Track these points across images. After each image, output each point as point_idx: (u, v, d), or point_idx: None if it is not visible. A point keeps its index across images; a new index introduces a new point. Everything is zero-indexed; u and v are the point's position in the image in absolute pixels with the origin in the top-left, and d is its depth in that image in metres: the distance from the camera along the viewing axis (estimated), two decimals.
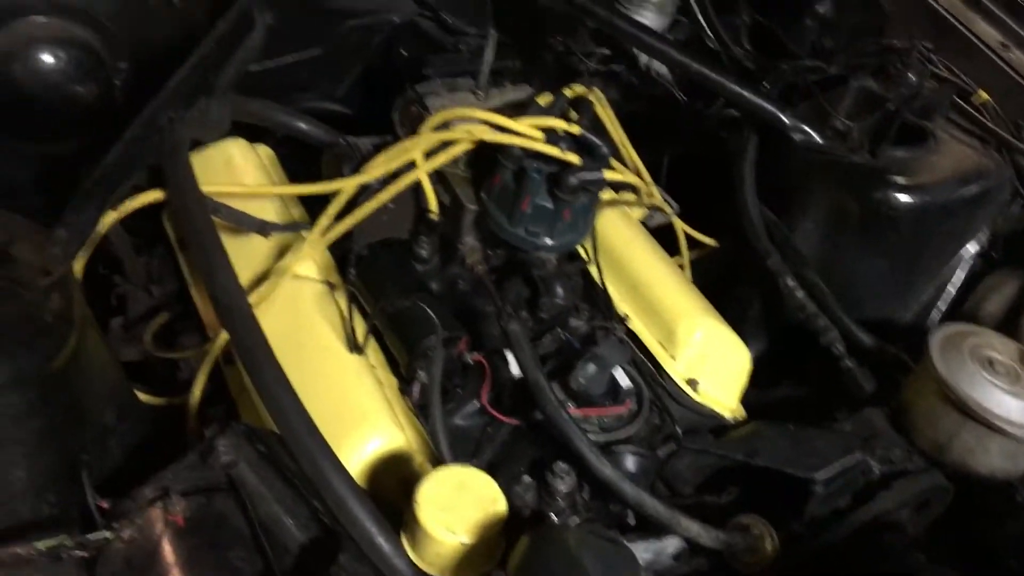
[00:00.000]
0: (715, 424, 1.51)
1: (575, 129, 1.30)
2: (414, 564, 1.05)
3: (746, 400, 1.64)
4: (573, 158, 1.27)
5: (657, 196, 1.66)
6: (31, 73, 1.50)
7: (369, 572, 1.05)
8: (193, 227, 1.24)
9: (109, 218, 1.30)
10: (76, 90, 1.55)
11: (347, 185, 1.32)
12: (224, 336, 1.32)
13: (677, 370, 1.48)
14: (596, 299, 1.51)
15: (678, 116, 2.04)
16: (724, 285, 1.85)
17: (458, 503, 1.05)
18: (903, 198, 1.60)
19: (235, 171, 1.53)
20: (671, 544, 1.32)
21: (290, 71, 1.78)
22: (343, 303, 1.37)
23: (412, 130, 1.37)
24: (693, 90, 1.99)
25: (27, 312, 1.06)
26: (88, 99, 1.57)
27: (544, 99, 1.33)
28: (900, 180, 1.60)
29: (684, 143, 2.07)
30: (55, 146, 1.65)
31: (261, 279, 1.39)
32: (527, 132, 1.28)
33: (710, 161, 1.94)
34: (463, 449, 1.30)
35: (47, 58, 1.51)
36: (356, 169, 1.35)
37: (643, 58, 1.96)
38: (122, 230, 1.51)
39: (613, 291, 1.53)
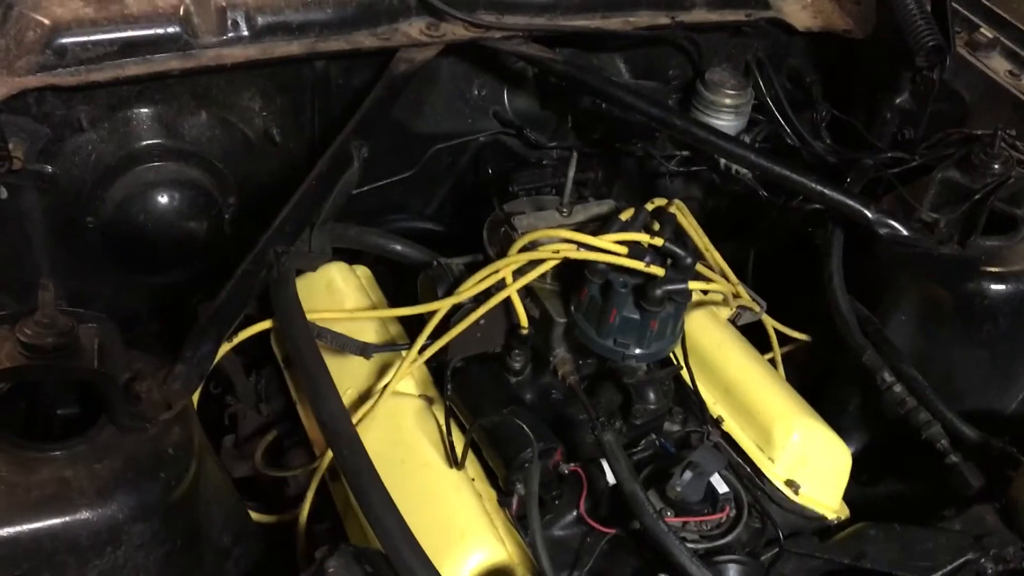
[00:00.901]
0: (819, 526, 1.50)
1: (658, 241, 1.34)
2: None
3: (848, 497, 1.61)
4: (657, 270, 1.30)
5: (744, 295, 1.67)
6: (149, 213, 1.62)
7: None
8: (299, 353, 1.31)
9: (223, 348, 1.38)
10: (190, 226, 1.66)
11: (442, 306, 1.38)
12: (330, 454, 1.38)
13: (776, 472, 1.47)
14: (690, 402, 1.53)
15: (761, 212, 2.07)
16: (820, 382, 1.84)
17: None
18: (997, 287, 1.58)
19: (336, 294, 1.61)
20: None
21: (384, 192, 1.88)
22: (441, 418, 1.42)
23: (501, 249, 1.43)
24: (775, 185, 2.01)
25: (151, 446, 1.13)
26: (200, 234, 1.68)
27: (627, 214, 1.38)
28: (992, 269, 1.59)
29: (769, 238, 2.08)
30: (170, 277, 1.77)
31: (364, 397, 1.46)
32: (611, 247, 1.32)
33: (796, 256, 1.95)
34: (563, 560, 1.31)
35: (163, 199, 1.62)
36: (450, 290, 1.41)
37: (724, 160, 1.99)
38: (233, 354, 1.60)
39: (706, 394, 1.54)
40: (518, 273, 1.38)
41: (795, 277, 1.89)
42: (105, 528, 1.07)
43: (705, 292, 1.66)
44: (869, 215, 1.65)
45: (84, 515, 1.06)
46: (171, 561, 1.15)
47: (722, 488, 1.34)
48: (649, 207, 1.41)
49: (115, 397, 1.12)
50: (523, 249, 1.37)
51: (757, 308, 1.71)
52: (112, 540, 1.08)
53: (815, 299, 1.77)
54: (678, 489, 1.30)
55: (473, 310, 1.38)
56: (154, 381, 1.18)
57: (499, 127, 1.91)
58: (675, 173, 2.07)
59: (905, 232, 1.64)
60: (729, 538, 1.31)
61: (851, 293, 1.72)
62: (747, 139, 1.95)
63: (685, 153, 2.05)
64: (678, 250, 1.34)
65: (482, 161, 1.89)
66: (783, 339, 1.86)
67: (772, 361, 1.79)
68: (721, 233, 2.04)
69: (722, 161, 1.99)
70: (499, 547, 1.28)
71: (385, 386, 1.42)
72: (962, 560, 1.36)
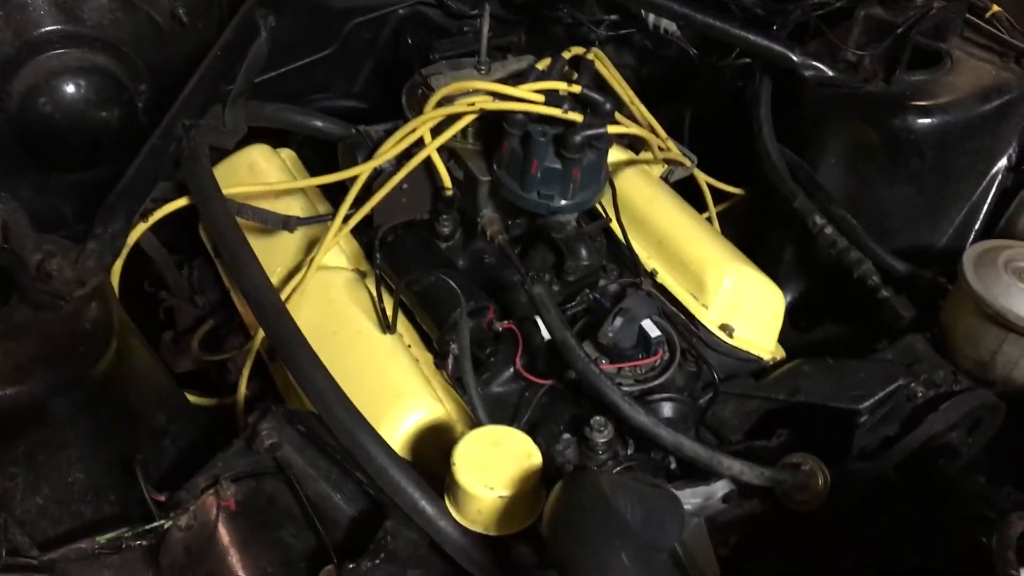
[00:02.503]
0: (756, 368, 1.52)
1: (576, 89, 1.31)
2: (458, 523, 1.07)
3: (790, 343, 1.64)
4: (576, 117, 1.28)
5: (674, 150, 1.66)
6: (56, 104, 1.56)
7: (415, 535, 1.08)
8: (217, 227, 1.28)
9: (140, 228, 1.35)
10: (101, 116, 1.60)
11: (361, 171, 1.35)
12: (263, 332, 1.37)
13: (710, 318, 1.48)
14: (623, 258, 1.53)
15: (695, 74, 2.05)
16: (755, 233, 1.85)
17: (494, 460, 1.07)
18: (923, 121, 1.58)
19: (259, 174, 1.58)
20: (720, 488, 1.33)
21: (306, 73, 1.83)
22: (373, 288, 1.41)
23: (419, 111, 1.40)
24: (707, 45, 1.98)
25: (67, 322, 1.11)
26: (114, 123, 1.62)
27: (543, 63, 1.35)
28: (918, 103, 1.59)
29: (703, 98, 2.07)
30: (91, 173, 1.71)
31: (294, 274, 1.44)
32: (528, 97, 1.29)
33: (730, 113, 1.94)
34: (503, 415, 1.32)
35: (70, 88, 1.56)
36: (369, 155, 1.38)
37: (652, 18, 1.96)
38: (160, 245, 1.57)
39: (639, 248, 1.54)
40: (436, 132, 1.35)
41: (729, 134, 1.88)
42: (26, 404, 1.06)
43: (632, 146, 1.64)
44: (794, 58, 1.63)
45: (4, 392, 1.05)
46: (100, 437, 1.14)
47: (654, 333, 1.35)
48: (566, 55, 1.38)
49: (24, 276, 1.10)
50: (439, 105, 1.34)
51: (688, 163, 1.70)
52: (35, 416, 1.07)
53: (748, 152, 1.76)
54: (610, 335, 1.31)
55: (394, 174, 1.36)
56: (66, 260, 1.15)
57: None
58: (605, 39, 2.03)
59: (830, 72, 1.63)
60: (663, 379, 1.33)
61: (783, 143, 1.72)
62: None
63: (614, 17, 2.02)
64: (596, 96, 1.31)
65: (402, 34, 1.84)
66: (720, 196, 1.87)
67: (708, 217, 1.80)
68: (657, 99, 2.03)
69: (650, 21, 1.96)
70: (437, 405, 1.28)
71: (312, 258, 1.40)
72: (894, 386, 1.38)
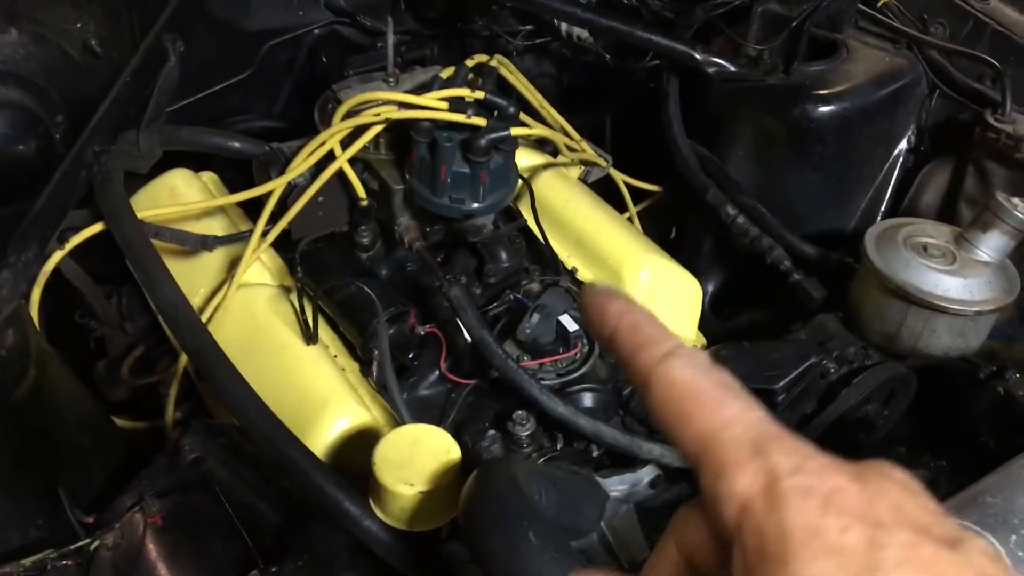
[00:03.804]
0: None
1: (479, 94, 1.35)
2: (383, 522, 1.10)
3: (713, 332, 1.69)
4: (480, 121, 1.32)
5: (588, 150, 1.70)
6: None
7: (340, 536, 1.10)
8: (130, 248, 1.30)
9: (57, 255, 1.36)
10: (19, 149, 1.60)
11: (274, 186, 1.37)
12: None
13: None
14: (544, 259, 1.56)
15: (612, 77, 2.10)
16: (676, 228, 1.90)
17: (413, 457, 1.10)
18: (822, 109, 1.64)
19: (180, 198, 1.58)
20: (646, 474, 1.36)
21: (226, 96, 1.84)
22: (296, 302, 1.42)
23: (330, 125, 1.42)
24: (622, 50, 2.04)
25: None
26: (31, 156, 1.61)
27: (447, 72, 1.38)
28: (817, 92, 1.65)
29: (620, 102, 2.12)
30: (11, 208, 1.71)
31: (217, 293, 1.46)
32: (432, 104, 1.33)
33: (645, 115, 1.99)
34: (430, 416, 1.34)
35: None
36: (283, 171, 1.40)
37: (564, 26, 2.00)
38: (84, 274, 1.58)
39: (559, 248, 1.57)
40: (347, 144, 1.38)
41: (647, 134, 1.93)
42: None
43: (546, 148, 1.69)
44: (696, 56, 1.69)
45: None
46: (21, 463, 1.14)
47: (572, 327, 1.38)
48: (469, 63, 1.42)
49: None
50: (346, 117, 1.37)
51: (603, 163, 1.75)
52: None
53: (661, 150, 1.81)
54: (527, 331, 1.34)
55: (308, 187, 1.38)
56: None
57: (332, 17, 1.88)
58: (523, 49, 2.08)
59: (732, 68, 1.68)
60: (583, 370, 1.36)
61: (693, 138, 1.77)
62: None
63: (529, 27, 2.06)
64: (500, 100, 1.35)
65: (318, 53, 1.87)
66: (641, 195, 1.92)
67: (629, 217, 1.84)
68: (580, 105, 2.08)
69: (563, 29, 2.01)
70: (362, 411, 1.30)
71: (232, 276, 1.42)
72: (807, 364, 1.43)
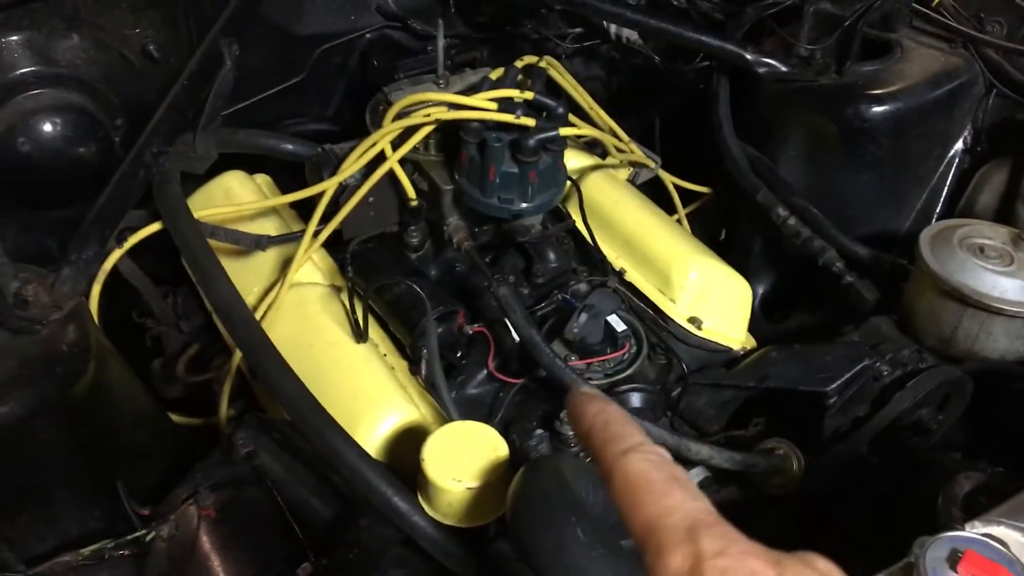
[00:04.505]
0: (727, 358, 1.55)
1: (528, 95, 1.35)
2: (431, 517, 1.11)
3: (763, 335, 1.67)
4: (529, 121, 1.32)
5: (637, 152, 1.70)
6: (35, 143, 1.61)
7: (389, 531, 1.11)
8: (187, 246, 1.33)
9: (116, 254, 1.39)
10: (79, 152, 1.65)
11: (326, 186, 1.39)
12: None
13: (678, 312, 1.52)
14: (592, 260, 1.56)
15: (661, 79, 2.09)
16: (725, 230, 1.89)
17: (461, 454, 1.10)
18: (875, 109, 1.62)
19: (234, 199, 1.62)
20: (695, 476, 1.36)
21: (280, 100, 1.88)
22: (347, 301, 1.44)
23: (381, 126, 1.44)
24: (671, 52, 2.03)
25: (44, 345, 1.16)
26: (92, 159, 1.67)
27: (496, 74, 1.39)
28: (870, 92, 1.63)
29: (669, 103, 2.11)
30: (73, 209, 1.76)
31: (270, 291, 1.48)
32: (482, 105, 1.34)
33: (695, 116, 1.99)
34: (478, 415, 1.35)
35: (47, 127, 1.61)
36: (335, 172, 1.42)
37: (614, 29, 2.01)
38: (142, 273, 1.61)
39: (607, 249, 1.58)
40: (398, 145, 1.40)
41: (697, 136, 1.92)
42: (8, 425, 1.09)
43: (595, 149, 1.69)
44: (747, 56, 1.68)
45: None
46: (83, 456, 1.18)
47: (620, 327, 1.39)
48: (519, 64, 1.43)
49: (2, 303, 1.14)
50: (396, 118, 1.38)
51: (652, 164, 1.74)
52: (17, 436, 1.11)
53: (710, 151, 1.80)
54: (575, 331, 1.34)
55: (359, 187, 1.40)
56: (41, 286, 1.20)
57: (383, 21, 1.91)
58: (572, 52, 2.08)
59: (783, 68, 1.67)
60: (631, 371, 1.36)
61: (744, 139, 1.76)
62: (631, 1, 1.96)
63: (578, 30, 2.06)
64: (548, 101, 1.36)
65: (370, 57, 1.89)
66: (691, 196, 1.91)
67: (678, 219, 1.84)
68: (629, 107, 2.07)
69: (612, 31, 2.01)
70: (412, 408, 1.31)
71: (285, 275, 1.44)
72: (860, 367, 1.40)
